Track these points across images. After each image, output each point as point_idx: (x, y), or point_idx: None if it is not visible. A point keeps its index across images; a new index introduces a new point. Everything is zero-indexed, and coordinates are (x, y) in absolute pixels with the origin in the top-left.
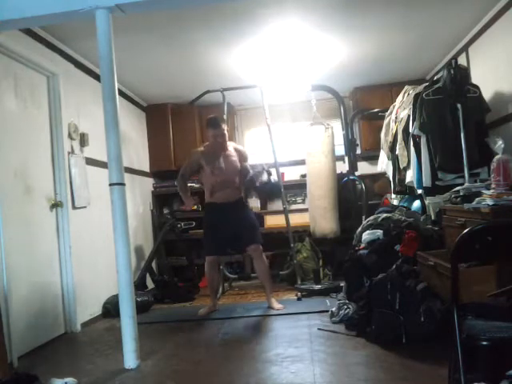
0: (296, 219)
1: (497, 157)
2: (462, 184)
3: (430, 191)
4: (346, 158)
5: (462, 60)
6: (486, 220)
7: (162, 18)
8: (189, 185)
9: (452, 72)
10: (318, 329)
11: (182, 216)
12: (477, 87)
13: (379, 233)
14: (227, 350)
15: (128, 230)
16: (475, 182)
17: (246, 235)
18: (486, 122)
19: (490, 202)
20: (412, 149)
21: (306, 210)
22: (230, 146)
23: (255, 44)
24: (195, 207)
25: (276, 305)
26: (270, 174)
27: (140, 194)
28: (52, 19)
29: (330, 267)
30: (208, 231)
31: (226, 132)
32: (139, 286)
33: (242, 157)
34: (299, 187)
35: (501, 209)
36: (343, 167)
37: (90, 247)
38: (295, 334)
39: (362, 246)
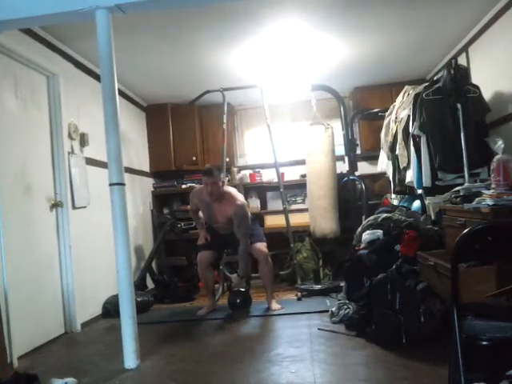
0: (296, 219)
1: (497, 157)
2: (462, 184)
3: (430, 191)
4: (346, 158)
5: (462, 60)
6: (486, 220)
7: (162, 18)
8: (189, 185)
9: (452, 72)
10: (318, 329)
11: (182, 216)
12: (477, 87)
13: (379, 233)
14: (227, 350)
15: (128, 230)
16: (475, 182)
17: None
18: (486, 122)
19: (490, 202)
20: (412, 149)
21: (305, 209)
22: (229, 195)
23: (255, 44)
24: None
25: (275, 305)
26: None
27: (140, 193)
28: (52, 19)
29: (330, 267)
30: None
31: (219, 182)
32: (139, 285)
33: (236, 217)
34: (299, 187)
35: (501, 209)
36: (343, 167)
37: (90, 247)
38: (295, 334)
39: (362, 245)
